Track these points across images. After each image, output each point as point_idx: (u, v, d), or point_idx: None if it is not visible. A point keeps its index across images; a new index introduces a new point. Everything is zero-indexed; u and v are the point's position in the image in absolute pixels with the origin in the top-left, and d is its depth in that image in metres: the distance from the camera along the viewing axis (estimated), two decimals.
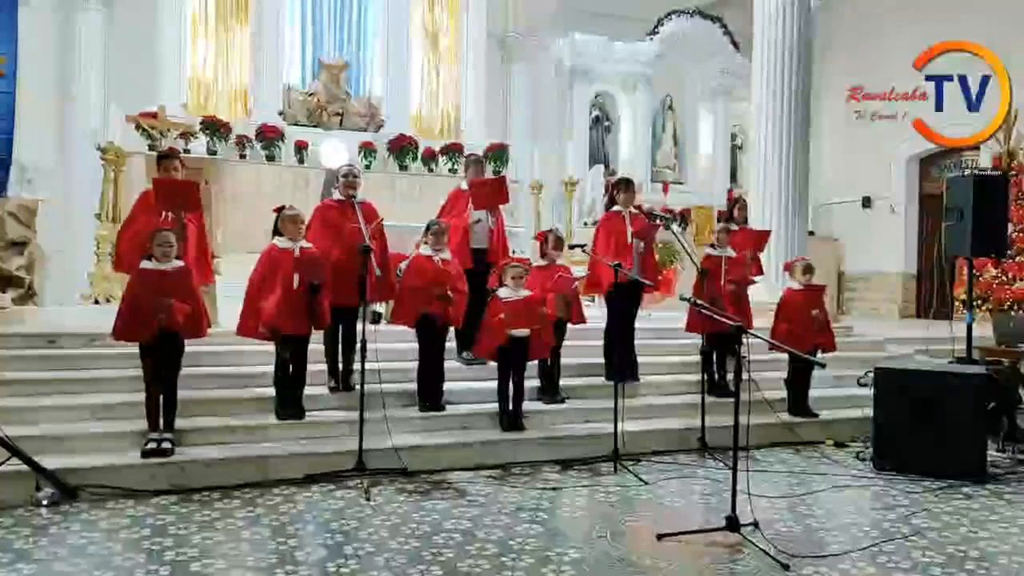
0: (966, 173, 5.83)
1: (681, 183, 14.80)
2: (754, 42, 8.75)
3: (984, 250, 5.87)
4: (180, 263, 4.72)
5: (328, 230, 5.39)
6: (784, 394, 6.48)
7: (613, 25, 13.86)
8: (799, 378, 6.38)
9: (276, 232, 5.24)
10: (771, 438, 6.10)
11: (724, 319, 4.11)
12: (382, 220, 5.49)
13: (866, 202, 13.96)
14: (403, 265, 5.68)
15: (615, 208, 6.39)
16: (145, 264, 4.64)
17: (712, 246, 6.52)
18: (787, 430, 6.14)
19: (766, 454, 5.85)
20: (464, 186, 6.32)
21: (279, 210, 5.32)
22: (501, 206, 6.35)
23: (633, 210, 6.44)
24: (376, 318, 6.41)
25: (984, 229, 5.66)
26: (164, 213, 5.18)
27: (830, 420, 6.41)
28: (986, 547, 3.94)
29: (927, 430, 5.21)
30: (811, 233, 14.18)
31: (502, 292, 5.53)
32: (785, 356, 6.36)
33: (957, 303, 11.29)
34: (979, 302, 11.25)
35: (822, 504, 4.67)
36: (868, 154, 13.48)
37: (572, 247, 6.02)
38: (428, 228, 5.62)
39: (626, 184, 6.45)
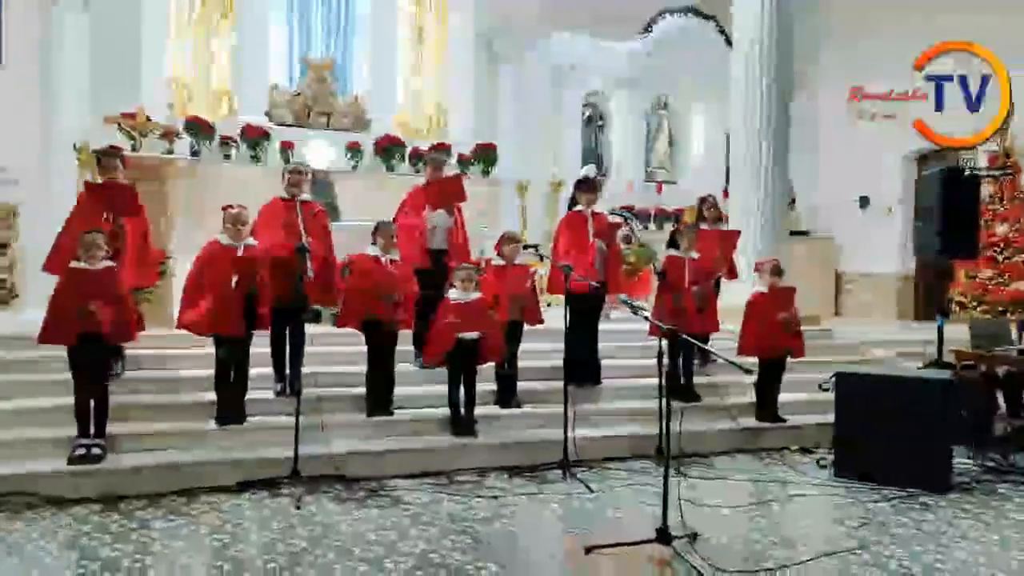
0: (931, 171, 5.59)
1: (676, 183, 14.61)
2: (733, 40, 8.57)
3: (953, 251, 5.63)
4: (108, 263, 4.61)
5: (271, 228, 5.27)
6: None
7: (604, 24, 13.65)
8: (767, 382, 6.17)
9: None
10: (734, 444, 5.93)
11: (656, 323, 3.93)
12: (322, 216, 5.37)
13: (863, 202, 13.70)
14: None
15: (577, 208, 6.22)
16: (74, 264, 4.54)
17: (674, 247, 6.32)
18: (750, 436, 5.95)
19: (727, 461, 5.67)
20: (422, 184, 6.18)
21: (226, 209, 5.22)
22: (463, 205, 6.22)
23: (597, 210, 6.28)
24: (315, 316, 6.24)
25: (953, 229, 5.43)
26: (105, 215, 5.08)
27: (798, 425, 6.20)
28: (932, 561, 3.75)
29: (889, 437, 5.01)
30: (806, 233, 14.01)
31: (452, 294, 5.39)
32: (755, 360, 6.18)
33: (954, 304, 11.06)
34: (975, 304, 11.01)
35: (771, 515, 4.49)
36: (865, 153, 13.21)
37: (526, 247, 5.86)
38: (377, 228, 5.48)
39: (587, 183, 6.30)
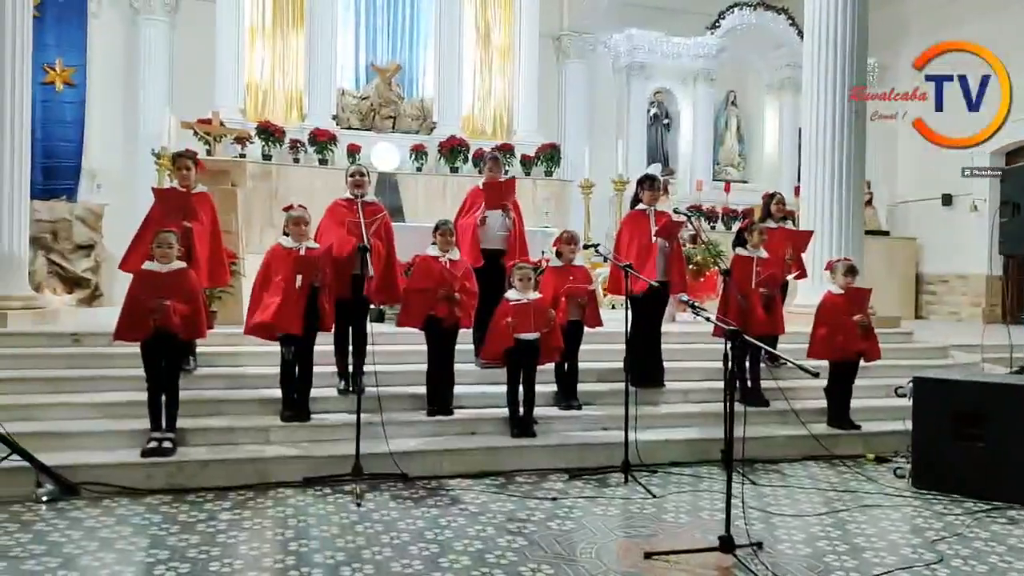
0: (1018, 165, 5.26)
1: (746, 181, 14.24)
2: (804, 31, 8.29)
3: None
4: (180, 264, 4.76)
5: (334, 229, 5.35)
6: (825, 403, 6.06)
7: (671, 20, 13.48)
8: (839, 386, 5.93)
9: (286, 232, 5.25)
10: (805, 451, 5.71)
11: (718, 323, 3.82)
12: (384, 218, 5.42)
13: (946, 200, 13.08)
14: None
15: (639, 207, 6.12)
16: (146, 265, 4.71)
17: (741, 245, 6.15)
18: (822, 442, 5.72)
19: (797, 468, 5.47)
20: (482, 185, 6.19)
21: (288, 210, 5.33)
22: (521, 205, 6.20)
23: (660, 208, 6.16)
24: (379, 316, 6.31)
25: None
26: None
27: (874, 432, 5.94)
28: None
29: (972, 446, 4.74)
30: (886, 233, 13.47)
31: (510, 294, 5.37)
32: (826, 363, 5.95)
33: None
34: None
35: (842, 525, 4.29)
36: (949, 149, 12.60)
37: (586, 247, 5.78)
38: (436, 228, 5.51)
39: (650, 181, 6.17)
